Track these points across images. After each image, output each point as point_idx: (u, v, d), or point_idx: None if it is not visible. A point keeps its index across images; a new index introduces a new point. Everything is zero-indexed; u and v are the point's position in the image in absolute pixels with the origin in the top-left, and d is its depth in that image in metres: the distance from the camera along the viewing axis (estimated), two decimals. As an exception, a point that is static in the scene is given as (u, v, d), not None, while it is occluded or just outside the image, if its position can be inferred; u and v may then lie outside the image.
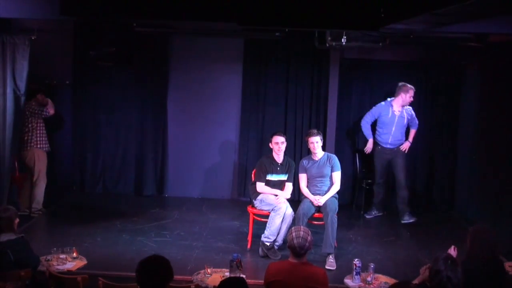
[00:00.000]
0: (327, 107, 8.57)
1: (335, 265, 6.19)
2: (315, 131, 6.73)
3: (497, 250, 4.49)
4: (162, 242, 6.83)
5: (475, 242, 4.41)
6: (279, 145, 6.71)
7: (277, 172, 6.77)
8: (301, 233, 4.41)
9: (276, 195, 6.66)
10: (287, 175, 6.82)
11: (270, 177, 6.76)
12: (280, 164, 6.78)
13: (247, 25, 6.26)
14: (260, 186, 6.74)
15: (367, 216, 8.22)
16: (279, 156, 6.76)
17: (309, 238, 4.40)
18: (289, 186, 6.83)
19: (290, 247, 4.39)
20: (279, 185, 6.80)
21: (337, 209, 6.49)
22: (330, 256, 6.25)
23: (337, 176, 6.68)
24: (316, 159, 6.71)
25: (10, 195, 7.28)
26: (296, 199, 7.79)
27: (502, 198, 6.84)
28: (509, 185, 6.70)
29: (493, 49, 7.14)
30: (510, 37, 6.55)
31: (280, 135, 6.79)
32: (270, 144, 6.83)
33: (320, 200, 6.51)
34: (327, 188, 6.67)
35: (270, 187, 6.75)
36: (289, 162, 6.88)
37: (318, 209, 6.57)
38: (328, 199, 6.53)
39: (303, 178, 6.76)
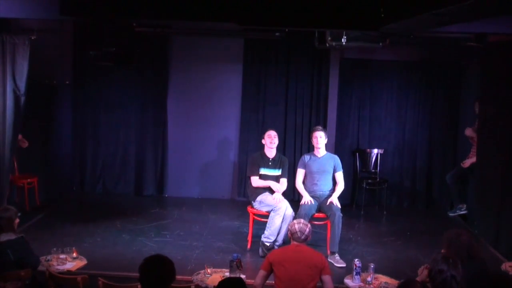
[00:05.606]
0: (327, 107, 8.58)
1: (342, 261, 6.23)
2: (320, 127, 6.87)
3: (475, 249, 4.39)
4: (162, 242, 6.83)
5: (451, 247, 4.33)
6: (271, 138, 6.77)
7: (269, 167, 6.79)
8: (301, 221, 4.86)
9: (272, 192, 6.66)
10: (280, 170, 6.83)
11: (263, 171, 6.77)
12: (272, 159, 6.81)
13: (247, 25, 6.26)
14: (255, 180, 6.76)
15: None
16: (271, 151, 6.80)
17: (309, 226, 4.78)
18: (283, 182, 6.83)
19: (291, 232, 4.71)
20: (274, 181, 6.79)
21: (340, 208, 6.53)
22: (336, 255, 6.30)
23: (340, 176, 6.74)
24: (318, 155, 6.72)
25: (10, 195, 7.29)
26: (296, 199, 7.80)
27: (502, 198, 6.83)
28: (510, 185, 6.69)
29: (493, 49, 7.13)
30: (510, 37, 6.55)
31: (272, 130, 6.91)
32: (262, 140, 6.89)
33: (333, 201, 6.50)
34: (326, 187, 6.68)
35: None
36: (282, 158, 6.93)
37: (319, 209, 6.58)
38: (333, 199, 6.55)
39: (300, 174, 6.77)
